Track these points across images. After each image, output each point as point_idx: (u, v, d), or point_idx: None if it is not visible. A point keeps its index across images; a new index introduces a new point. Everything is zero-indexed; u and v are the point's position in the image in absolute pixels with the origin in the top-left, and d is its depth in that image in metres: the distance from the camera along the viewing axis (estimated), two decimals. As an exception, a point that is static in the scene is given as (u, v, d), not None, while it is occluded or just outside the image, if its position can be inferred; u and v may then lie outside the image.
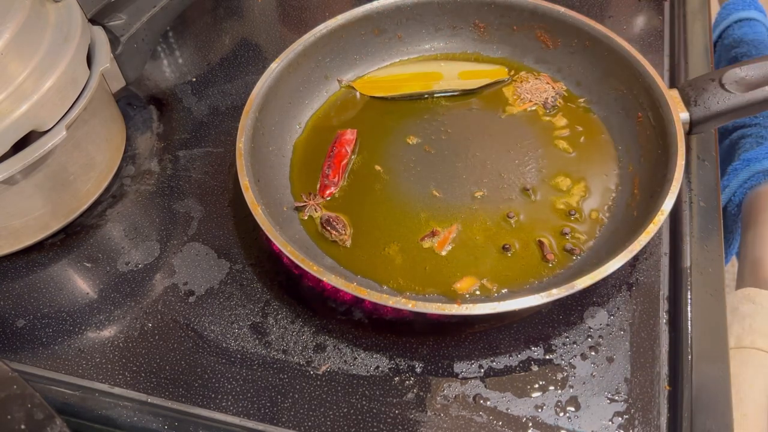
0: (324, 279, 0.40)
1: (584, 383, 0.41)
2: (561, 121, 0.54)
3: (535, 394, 0.41)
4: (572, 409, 0.40)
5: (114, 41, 0.53)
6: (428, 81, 0.57)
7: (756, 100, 0.47)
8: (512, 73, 0.58)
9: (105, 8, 0.54)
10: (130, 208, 0.52)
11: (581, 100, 0.55)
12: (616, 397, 0.40)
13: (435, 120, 0.55)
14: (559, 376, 0.41)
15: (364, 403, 0.41)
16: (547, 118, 0.54)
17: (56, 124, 0.45)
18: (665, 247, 0.47)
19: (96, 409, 0.41)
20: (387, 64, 0.59)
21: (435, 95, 0.56)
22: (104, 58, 0.50)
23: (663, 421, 0.39)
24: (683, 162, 0.45)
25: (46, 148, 0.44)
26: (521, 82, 0.56)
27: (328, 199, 0.50)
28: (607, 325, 0.43)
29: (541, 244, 0.46)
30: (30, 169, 0.45)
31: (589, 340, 0.43)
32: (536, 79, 0.56)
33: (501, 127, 0.54)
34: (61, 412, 0.33)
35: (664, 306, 0.44)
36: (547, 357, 0.42)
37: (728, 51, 0.75)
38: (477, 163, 0.52)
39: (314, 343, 0.44)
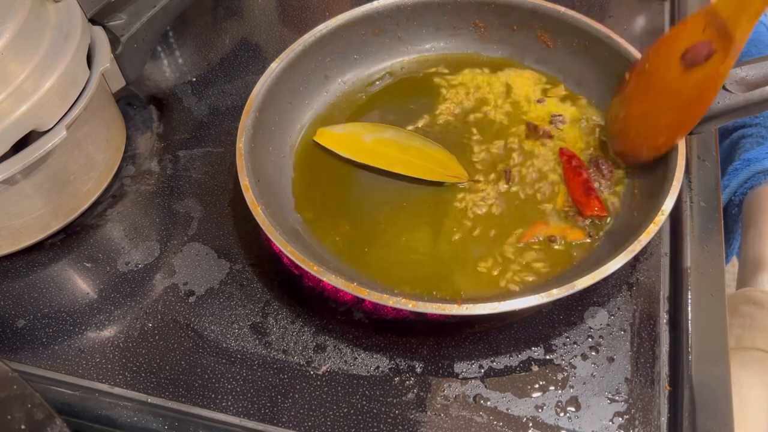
0: (324, 279, 0.40)
1: (584, 383, 0.41)
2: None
3: (536, 395, 0.41)
4: (572, 409, 0.40)
5: (114, 41, 0.53)
6: (384, 159, 0.51)
7: (756, 100, 0.47)
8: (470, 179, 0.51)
9: (105, 8, 0.54)
10: (130, 208, 0.52)
11: (581, 100, 0.55)
12: (617, 397, 0.40)
13: (434, 127, 0.55)
14: (560, 376, 0.41)
15: (364, 403, 0.41)
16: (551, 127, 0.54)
17: (56, 124, 0.45)
18: (665, 247, 0.47)
19: (96, 409, 0.41)
20: (387, 64, 0.59)
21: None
22: (104, 58, 0.50)
23: (663, 421, 0.39)
24: (683, 162, 0.45)
25: (46, 148, 0.44)
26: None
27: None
28: (608, 325, 0.43)
29: (550, 240, 0.46)
30: (30, 169, 0.45)
31: (590, 340, 0.43)
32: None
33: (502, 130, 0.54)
34: (61, 412, 0.33)
35: (664, 306, 0.44)
36: (548, 357, 0.42)
37: (728, 51, 0.75)
38: (477, 166, 0.52)
39: (314, 344, 0.44)
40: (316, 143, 0.54)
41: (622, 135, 0.49)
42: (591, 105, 0.55)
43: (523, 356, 0.42)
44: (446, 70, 0.59)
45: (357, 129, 0.54)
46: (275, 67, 0.53)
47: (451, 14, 0.58)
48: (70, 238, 0.51)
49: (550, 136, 0.52)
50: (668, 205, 0.43)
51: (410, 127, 0.54)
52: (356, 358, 0.43)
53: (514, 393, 0.41)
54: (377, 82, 0.59)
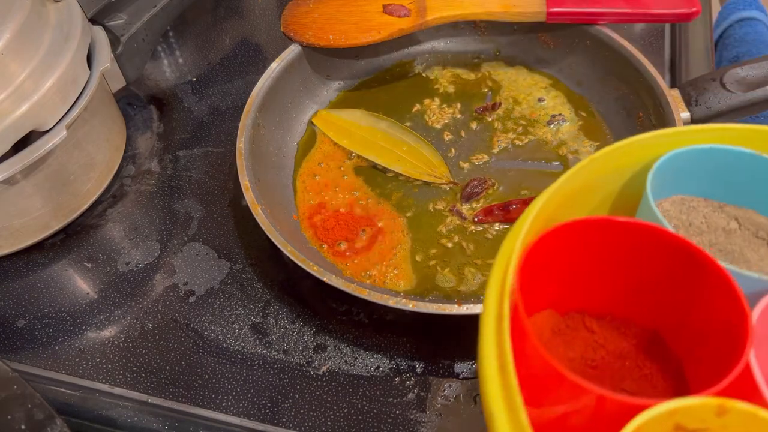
0: (324, 279, 0.40)
1: (585, 383, 0.41)
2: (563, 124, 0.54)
3: (536, 394, 0.40)
4: (573, 409, 0.40)
5: (114, 41, 0.53)
6: (375, 152, 0.52)
7: (757, 99, 0.47)
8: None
9: (105, 8, 0.54)
10: (131, 208, 0.52)
11: (582, 100, 0.55)
12: (617, 398, 0.40)
13: (431, 126, 0.55)
14: (560, 376, 0.41)
15: (364, 403, 0.41)
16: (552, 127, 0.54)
17: (56, 124, 0.45)
18: (666, 247, 0.47)
19: (96, 410, 0.41)
20: (388, 64, 0.59)
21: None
22: (104, 58, 0.50)
23: (664, 421, 0.39)
24: (684, 162, 0.45)
25: (47, 148, 0.44)
26: None
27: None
28: (608, 325, 0.43)
29: None
30: (30, 169, 0.45)
31: (590, 340, 0.43)
32: None
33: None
34: (61, 412, 0.33)
35: (664, 306, 0.44)
36: (548, 357, 0.42)
37: (729, 50, 0.75)
38: (477, 167, 0.52)
39: (315, 344, 0.44)
40: (315, 127, 0.55)
41: (304, 21, 0.55)
42: (591, 105, 0.55)
43: (524, 356, 0.42)
44: (446, 71, 0.59)
45: (355, 115, 0.55)
46: (275, 67, 0.53)
47: (451, 14, 0.58)
48: (70, 238, 0.51)
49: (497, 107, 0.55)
50: (669, 204, 0.43)
51: (408, 125, 0.54)
52: (356, 358, 0.43)
53: (514, 393, 0.41)
54: (378, 82, 0.59)
